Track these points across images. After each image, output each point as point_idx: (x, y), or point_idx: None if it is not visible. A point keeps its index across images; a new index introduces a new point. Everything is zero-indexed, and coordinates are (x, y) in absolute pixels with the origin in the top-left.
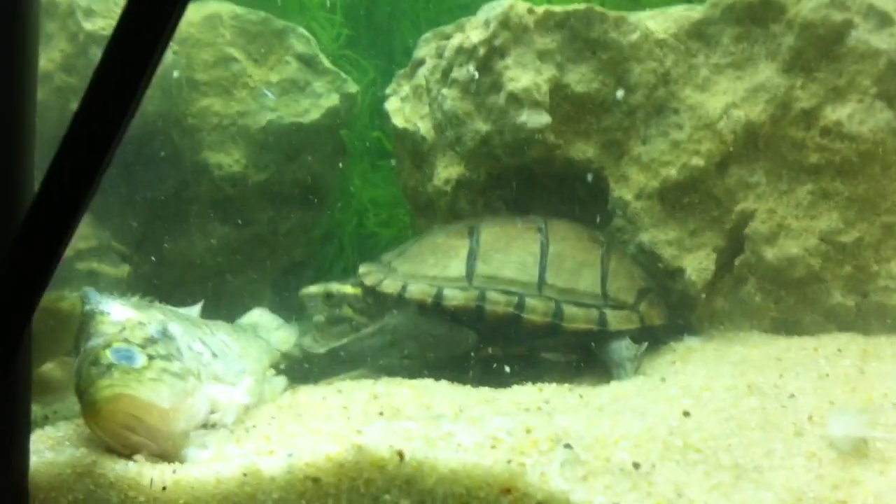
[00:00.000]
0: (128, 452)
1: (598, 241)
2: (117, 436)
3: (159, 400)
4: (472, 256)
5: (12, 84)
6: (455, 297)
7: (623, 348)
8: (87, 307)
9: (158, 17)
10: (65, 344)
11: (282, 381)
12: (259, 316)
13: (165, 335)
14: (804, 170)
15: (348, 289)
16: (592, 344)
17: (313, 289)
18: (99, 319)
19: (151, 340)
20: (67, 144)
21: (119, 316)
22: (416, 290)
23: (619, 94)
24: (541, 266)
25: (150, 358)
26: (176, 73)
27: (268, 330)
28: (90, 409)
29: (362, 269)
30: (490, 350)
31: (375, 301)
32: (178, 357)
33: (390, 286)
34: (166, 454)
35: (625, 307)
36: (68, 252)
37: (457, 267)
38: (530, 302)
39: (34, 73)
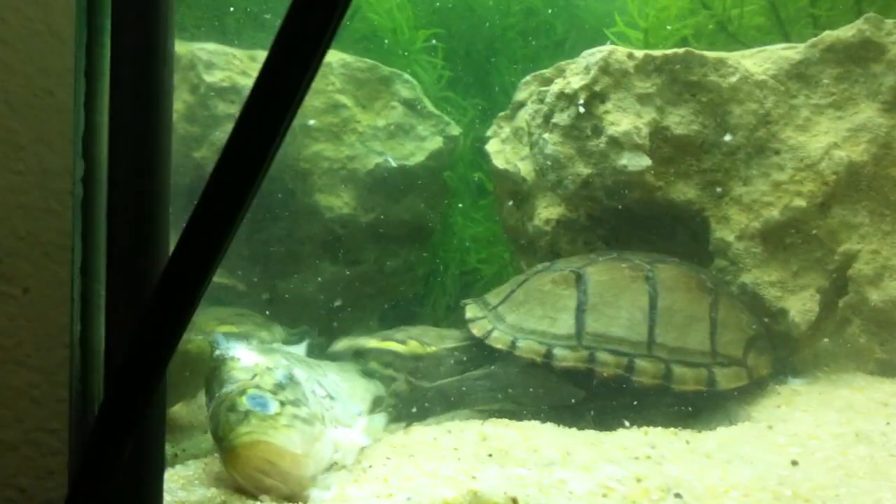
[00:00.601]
0: (258, 494)
1: (705, 289)
2: (252, 479)
3: (292, 446)
4: (581, 310)
5: (150, 141)
6: (565, 357)
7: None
8: (217, 352)
9: (299, 69)
10: (192, 386)
11: (382, 418)
12: (345, 345)
13: (292, 380)
14: None
15: (373, 343)
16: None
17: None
18: (230, 365)
19: (280, 386)
20: (207, 196)
21: (248, 361)
22: (526, 347)
23: (728, 137)
24: (650, 322)
25: (282, 404)
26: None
27: (358, 373)
28: (230, 454)
29: (469, 313)
30: (596, 403)
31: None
32: (305, 402)
33: (500, 340)
34: (294, 496)
35: (734, 363)
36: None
37: (566, 322)
38: (640, 364)
39: (169, 128)
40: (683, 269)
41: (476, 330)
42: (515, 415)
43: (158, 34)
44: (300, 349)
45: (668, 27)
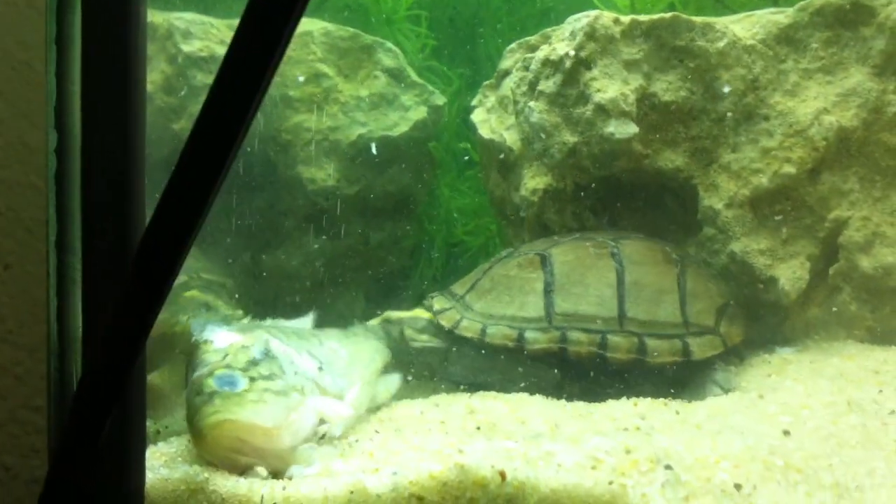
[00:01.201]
0: (237, 473)
1: (671, 261)
2: (226, 459)
3: (261, 420)
4: (548, 291)
5: (124, 109)
6: (537, 339)
7: (713, 370)
8: (194, 338)
9: (269, 40)
10: (162, 356)
11: (396, 378)
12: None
13: (268, 355)
14: None
15: (404, 313)
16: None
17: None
18: (203, 349)
19: (254, 362)
20: (182, 167)
21: (222, 342)
22: (497, 333)
23: (726, 88)
24: (619, 297)
25: (252, 380)
26: (271, 91)
27: (365, 338)
28: (197, 437)
29: (436, 304)
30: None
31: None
32: (281, 374)
33: (469, 328)
34: (275, 471)
35: (706, 332)
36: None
37: (535, 305)
38: (613, 339)
39: (143, 96)
40: (648, 243)
41: (445, 321)
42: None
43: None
44: (306, 321)
45: None
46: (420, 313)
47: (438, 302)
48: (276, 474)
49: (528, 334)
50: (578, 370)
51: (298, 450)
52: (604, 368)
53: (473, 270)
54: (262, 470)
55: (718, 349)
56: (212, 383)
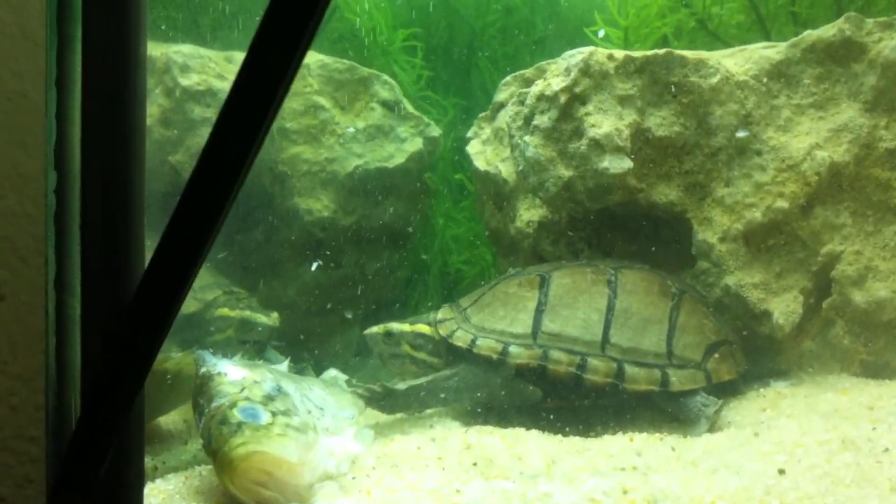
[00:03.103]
0: None
1: (668, 294)
2: (250, 491)
3: (288, 454)
4: (539, 311)
5: (123, 150)
6: (519, 354)
7: (697, 405)
8: (203, 369)
9: (275, 75)
10: (170, 402)
11: (370, 433)
12: (334, 375)
13: (281, 391)
14: (890, 210)
15: (406, 327)
16: (659, 399)
17: (374, 329)
18: (218, 380)
19: (270, 398)
20: (183, 205)
21: (235, 376)
22: (484, 345)
23: (741, 134)
24: (606, 323)
25: (273, 414)
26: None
27: (342, 389)
28: (226, 467)
29: (440, 314)
30: (555, 402)
31: (446, 344)
32: (296, 412)
33: (461, 338)
34: None
35: (690, 365)
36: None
37: (524, 322)
38: (592, 362)
39: (143, 137)
40: (648, 274)
41: (443, 330)
42: (497, 418)
43: (130, 39)
44: (283, 366)
45: (648, 26)
46: (422, 328)
47: (442, 312)
48: None
49: (513, 349)
50: (564, 392)
51: (314, 487)
52: (589, 395)
53: (484, 285)
54: None
55: (700, 383)
56: (237, 414)
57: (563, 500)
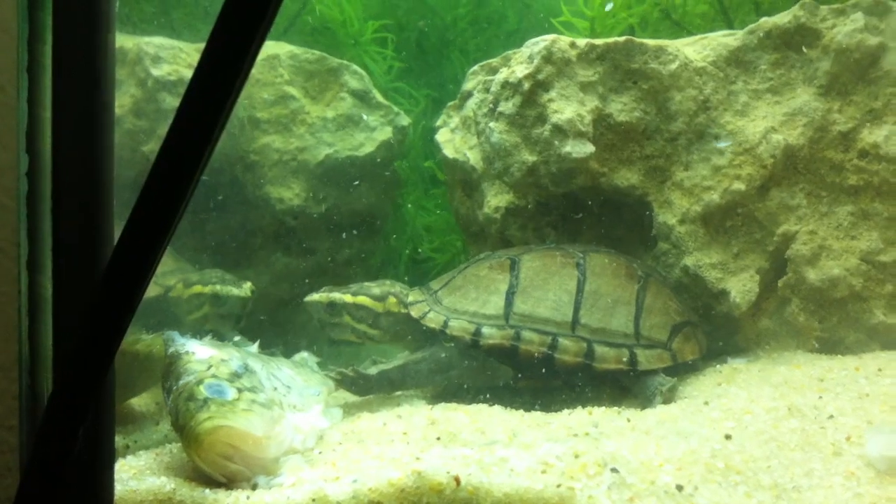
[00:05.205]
0: (225, 481)
1: (634, 276)
2: (216, 465)
3: (253, 429)
4: (510, 293)
5: (93, 131)
6: (492, 335)
7: (656, 383)
8: (172, 349)
9: (234, 64)
10: (141, 383)
11: (339, 411)
12: (304, 356)
13: (248, 369)
14: (843, 191)
15: (348, 298)
16: (621, 377)
17: (316, 297)
18: (185, 359)
19: (236, 375)
20: (149, 187)
21: (203, 355)
22: (457, 326)
23: (722, 144)
24: (576, 304)
25: (240, 391)
26: (239, 113)
27: (311, 369)
28: (192, 441)
29: (410, 297)
30: (527, 382)
31: (406, 322)
32: (262, 389)
33: (433, 320)
34: (251, 480)
35: (657, 346)
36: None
37: (495, 304)
38: (563, 342)
39: (111, 122)
40: (615, 257)
41: (414, 312)
42: (464, 398)
43: (100, 28)
44: (252, 348)
45: (614, 17)
46: (363, 300)
47: (413, 294)
48: (243, 484)
49: (485, 329)
50: (535, 372)
51: (280, 460)
52: (559, 375)
53: (453, 269)
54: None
55: (666, 363)
56: (203, 390)
57: (517, 464)
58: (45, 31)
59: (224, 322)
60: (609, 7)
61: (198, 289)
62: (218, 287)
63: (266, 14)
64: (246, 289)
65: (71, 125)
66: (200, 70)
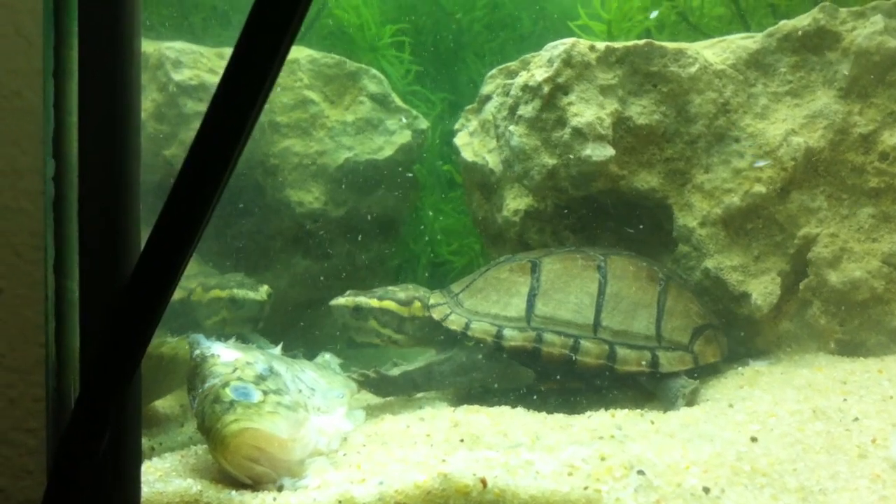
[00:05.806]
0: (251, 483)
1: (655, 279)
2: (242, 467)
3: (279, 431)
4: (532, 295)
5: (119, 136)
6: (514, 337)
7: (678, 385)
8: (197, 352)
9: (261, 70)
10: (166, 386)
11: (362, 414)
12: (327, 359)
13: (272, 372)
14: (864, 193)
15: (374, 302)
16: (643, 380)
17: (342, 300)
18: (211, 362)
19: (261, 377)
20: (176, 192)
21: (228, 357)
22: (479, 328)
23: (760, 164)
24: (597, 307)
25: (265, 393)
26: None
27: (334, 371)
28: (219, 443)
29: (432, 299)
30: (548, 385)
31: (431, 326)
32: (287, 391)
33: (455, 322)
34: (278, 481)
35: (678, 348)
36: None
37: (517, 306)
38: (585, 344)
39: (138, 126)
40: (636, 260)
41: (436, 314)
42: (486, 400)
43: (125, 34)
44: (275, 350)
45: (631, 19)
46: (389, 305)
47: (434, 297)
48: (269, 486)
49: (507, 332)
50: (557, 374)
51: (305, 462)
52: (581, 377)
53: (473, 272)
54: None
55: (688, 365)
56: (229, 393)
57: (543, 467)
58: (70, 36)
59: (242, 326)
60: (654, 15)
61: (216, 293)
62: (235, 291)
63: (293, 20)
64: (263, 292)
65: (96, 130)
66: (227, 76)
